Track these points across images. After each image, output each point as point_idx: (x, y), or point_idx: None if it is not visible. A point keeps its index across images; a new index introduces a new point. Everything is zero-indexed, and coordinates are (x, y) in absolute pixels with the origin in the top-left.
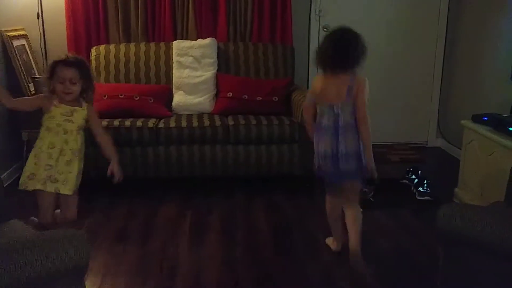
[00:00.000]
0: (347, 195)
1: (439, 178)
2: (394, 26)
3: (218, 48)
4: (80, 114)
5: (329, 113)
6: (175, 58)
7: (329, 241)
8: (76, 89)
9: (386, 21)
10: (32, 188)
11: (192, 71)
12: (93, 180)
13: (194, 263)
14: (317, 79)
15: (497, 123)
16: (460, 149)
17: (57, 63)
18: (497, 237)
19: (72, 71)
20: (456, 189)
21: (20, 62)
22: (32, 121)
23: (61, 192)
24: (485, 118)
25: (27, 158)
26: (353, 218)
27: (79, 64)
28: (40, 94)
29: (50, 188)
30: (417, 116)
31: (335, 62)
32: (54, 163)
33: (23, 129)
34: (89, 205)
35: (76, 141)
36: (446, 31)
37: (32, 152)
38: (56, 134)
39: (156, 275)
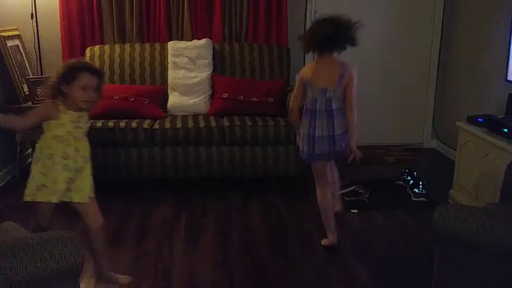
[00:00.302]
0: (328, 170)
1: (434, 179)
2: (389, 27)
3: (214, 49)
4: (84, 118)
5: (322, 98)
6: (170, 58)
7: (325, 241)
8: (95, 97)
9: (381, 23)
10: (43, 200)
11: (187, 72)
12: None
13: (189, 264)
14: (308, 65)
15: (492, 124)
16: (455, 150)
17: (82, 69)
18: (492, 237)
19: (97, 79)
20: (451, 190)
21: (14, 63)
22: None
23: (74, 200)
24: (480, 120)
25: (20, 160)
26: (336, 186)
27: (100, 74)
28: (47, 102)
29: (66, 198)
30: (413, 117)
31: (324, 43)
32: (74, 174)
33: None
34: None
35: (85, 147)
36: (441, 32)
37: (37, 161)
38: (68, 143)
39: (151, 276)
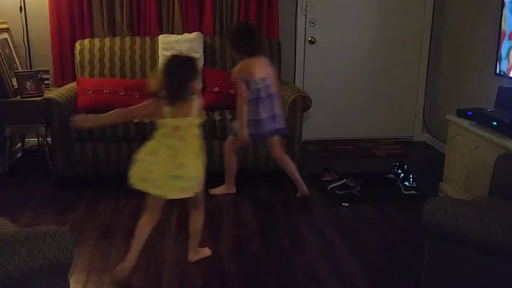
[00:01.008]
0: (275, 148)
1: (424, 173)
2: (380, 21)
3: (204, 42)
4: None
5: (263, 86)
6: (160, 52)
7: (219, 190)
8: None
9: (372, 17)
10: None
11: None
12: (78, 175)
13: (180, 259)
14: (241, 65)
15: (482, 117)
16: (445, 143)
17: (195, 60)
18: (481, 231)
19: None
20: (441, 183)
21: (3, 56)
22: (15, 116)
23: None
24: (470, 113)
25: (10, 154)
26: (290, 163)
27: None
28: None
29: None
30: (403, 111)
31: (254, 49)
32: None
33: (6, 124)
34: (74, 201)
35: None
36: (432, 27)
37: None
38: None
39: (143, 271)
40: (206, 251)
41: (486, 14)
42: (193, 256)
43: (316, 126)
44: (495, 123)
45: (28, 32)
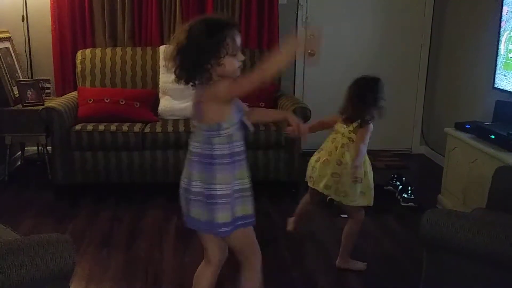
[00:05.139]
0: None
1: (422, 185)
2: (378, 34)
3: None
4: None
5: None
6: (161, 62)
7: None
8: None
9: (371, 29)
10: None
11: None
12: (78, 184)
13: (179, 268)
14: None
15: (480, 131)
16: (444, 156)
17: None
18: (479, 242)
19: None
20: (439, 196)
21: (4, 65)
22: (15, 125)
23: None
24: (468, 126)
25: (10, 162)
26: None
27: None
28: None
29: None
30: (402, 123)
31: None
32: None
33: (6, 133)
34: (74, 209)
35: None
36: (430, 40)
37: None
38: None
39: (141, 280)
40: (359, 265)
41: (484, 28)
42: (341, 263)
43: (316, 138)
44: (493, 136)
45: (30, 41)
